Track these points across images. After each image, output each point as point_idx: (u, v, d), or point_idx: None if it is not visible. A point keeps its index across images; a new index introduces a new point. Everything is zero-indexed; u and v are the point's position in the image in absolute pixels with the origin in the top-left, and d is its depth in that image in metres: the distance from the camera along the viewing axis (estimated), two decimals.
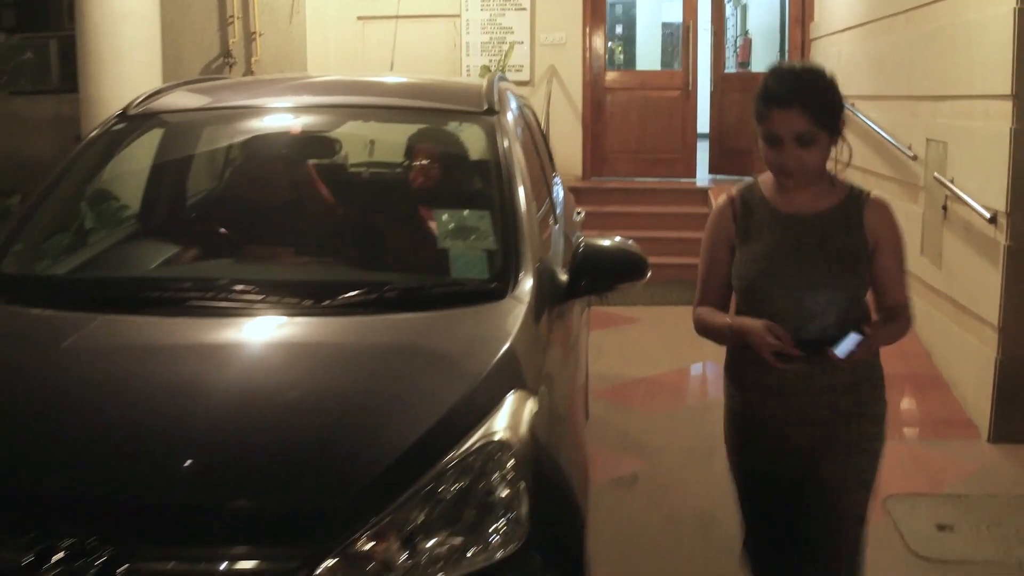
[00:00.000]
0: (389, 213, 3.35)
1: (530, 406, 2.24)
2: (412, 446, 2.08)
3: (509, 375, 2.32)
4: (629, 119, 9.87)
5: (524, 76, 9.45)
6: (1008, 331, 4.60)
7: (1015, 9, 4.44)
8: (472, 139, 3.46)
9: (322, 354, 2.47)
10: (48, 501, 1.98)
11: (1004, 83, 4.56)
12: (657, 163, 9.85)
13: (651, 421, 5.21)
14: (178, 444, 2.08)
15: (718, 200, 2.63)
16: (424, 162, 3.50)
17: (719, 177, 9.80)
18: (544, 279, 2.75)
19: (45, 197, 3.17)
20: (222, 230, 3.19)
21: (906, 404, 5.22)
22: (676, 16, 14.09)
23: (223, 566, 1.92)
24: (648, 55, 15.62)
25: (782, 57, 10.92)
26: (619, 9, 15.15)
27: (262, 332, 2.54)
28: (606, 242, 2.90)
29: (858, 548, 2.57)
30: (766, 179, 2.54)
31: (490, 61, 9.47)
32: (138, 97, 3.46)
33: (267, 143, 3.48)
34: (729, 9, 11.73)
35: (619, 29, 15.23)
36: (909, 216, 5.89)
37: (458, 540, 2.00)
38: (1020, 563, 3.63)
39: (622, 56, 15.16)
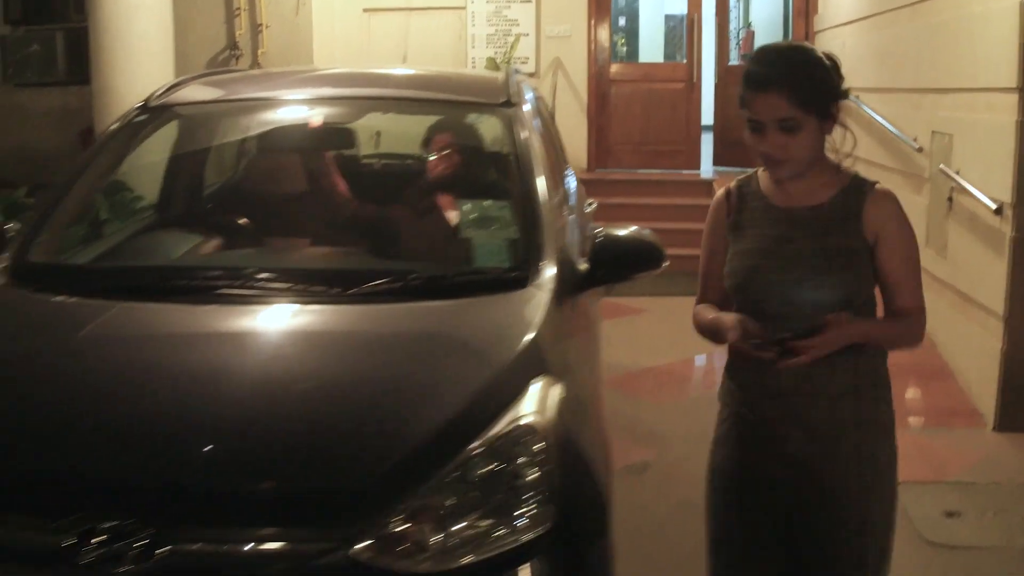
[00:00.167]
0: (411, 203, 3.39)
1: (557, 391, 2.29)
2: (443, 430, 2.13)
3: (535, 361, 2.37)
4: (633, 111, 9.90)
5: (530, 68, 9.48)
6: (1013, 321, 4.64)
7: (1020, 2, 4.48)
8: (492, 131, 3.51)
9: (351, 340, 2.51)
10: (88, 485, 2.03)
11: (1009, 76, 4.60)
12: (661, 155, 9.88)
13: (659, 410, 5.26)
14: (214, 428, 2.13)
15: (716, 193, 2.48)
16: (445, 152, 3.55)
17: (723, 169, 9.82)
18: (565, 268, 2.79)
19: (70, 187, 3.21)
20: (246, 220, 3.24)
21: (912, 394, 5.27)
22: (679, 8, 14.13)
23: (261, 547, 1.97)
24: (651, 47, 15.63)
25: None
26: (622, 1, 15.18)
27: (292, 319, 2.58)
28: (624, 232, 2.93)
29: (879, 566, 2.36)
30: (766, 171, 2.36)
31: (495, 53, 9.49)
32: (159, 89, 3.50)
33: (289, 134, 3.53)
34: (732, 1, 11.75)
35: (622, 21, 15.24)
36: (914, 207, 5.94)
37: (488, 522, 2.04)
38: None
39: (625, 48, 15.18)
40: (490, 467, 2.09)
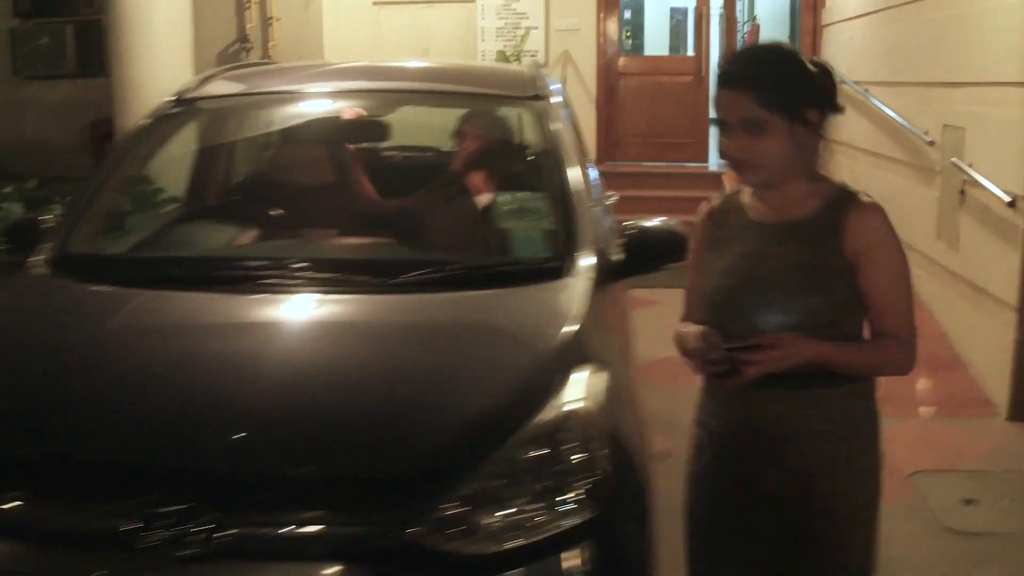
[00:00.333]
0: (443, 193, 3.44)
1: (601, 379, 2.33)
2: (491, 416, 2.18)
3: (579, 350, 2.41)
4: (641, 104, 9.93)
5: (539, 61, 9.50)
6: None
7: None
8: (523, 123, 3.55)
9: (396, 329, 2.56)
10: (148, 471, 2.07)
11: (1020, 71, 4.67)
12: (669, 148, 9.92)
13: (676, 400, 5.26)
14: (272, 415, 2.17)
15: (700, 209, 2.32)
16: (474, 136, 3.58)
17: None
18: (602, 258, 2.84)
19: (107, 179, 3.26)
20: (285, 212, 3.29)
21: (925, 384, 5.32)
22: (684, 2, 14.14)
23: (318, 530, 2.02)
24: (657, 40, 15.65)
25: (793, 43, 10.97)
26: None
27: (337, 308, 2.63)
28: (653, 222, 2.96)
29: None
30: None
31: (505, 46, 9.53)
32: (191, 82, 3.55)
33: (323, 127, 3.57)
34: None
35: (628, 14, 15.25)
36: (925, 200, 6.01)
37: (536, 507, 2.08)
38: None
39: (630, 41, 15.19)
40: (539, 453, 2.13)
